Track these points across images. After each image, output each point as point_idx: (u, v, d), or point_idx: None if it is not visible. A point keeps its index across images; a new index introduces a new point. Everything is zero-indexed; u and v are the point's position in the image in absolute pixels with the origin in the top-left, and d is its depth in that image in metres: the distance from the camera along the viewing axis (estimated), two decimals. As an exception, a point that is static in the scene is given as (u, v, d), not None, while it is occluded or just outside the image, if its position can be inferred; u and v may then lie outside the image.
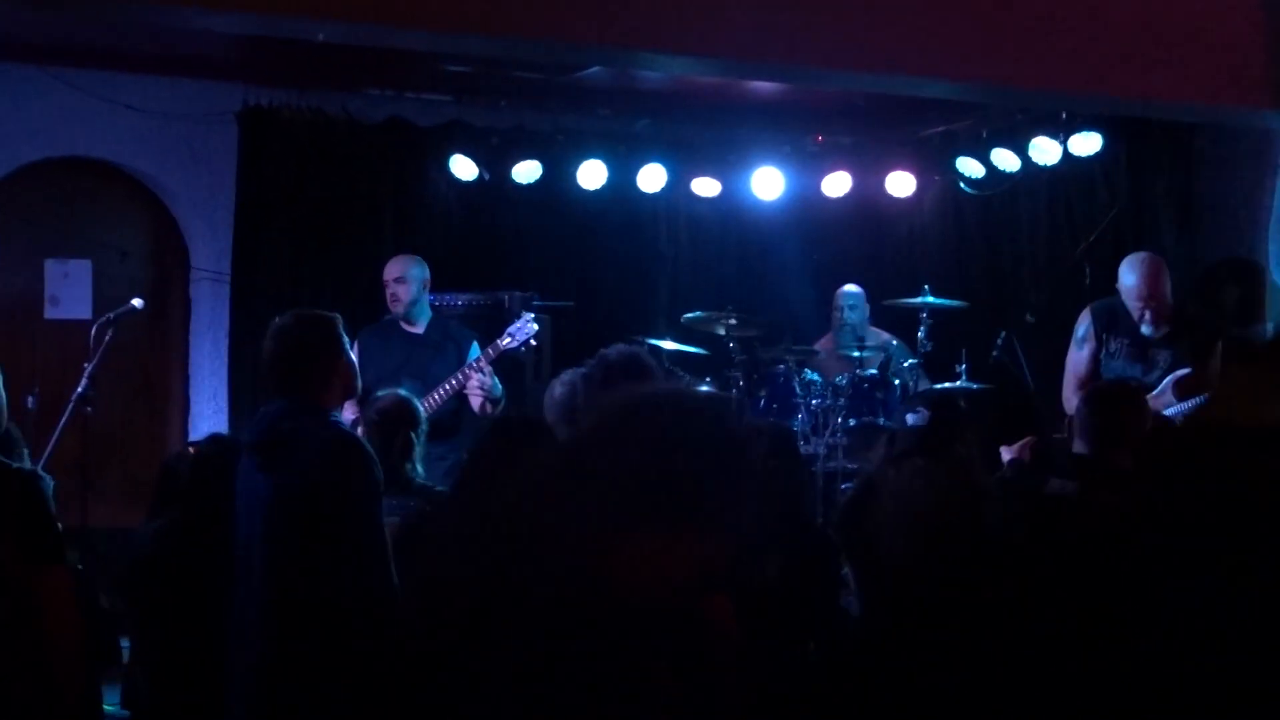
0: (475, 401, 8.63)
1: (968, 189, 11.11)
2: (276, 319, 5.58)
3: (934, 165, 11.27)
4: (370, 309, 9.46)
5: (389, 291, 8.97)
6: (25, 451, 6.17)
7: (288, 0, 6.18)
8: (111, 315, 8.35)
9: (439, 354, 8.86)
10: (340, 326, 5.54)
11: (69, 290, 10.28)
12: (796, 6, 7.02)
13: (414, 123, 10.91)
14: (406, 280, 8.95)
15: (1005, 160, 10.61)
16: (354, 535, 5.22)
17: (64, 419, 8.01)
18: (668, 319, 10.86)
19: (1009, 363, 9.35)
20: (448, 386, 8.57)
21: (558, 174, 10.96)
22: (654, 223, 11.69)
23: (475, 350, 8.83)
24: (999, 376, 9.49)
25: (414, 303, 8.95)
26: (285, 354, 5.44)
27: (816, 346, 10.37)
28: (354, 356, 8.16)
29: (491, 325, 9.33)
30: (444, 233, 10.87)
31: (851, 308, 10.42)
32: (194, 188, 10.55)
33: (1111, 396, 6.28)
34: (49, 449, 7.78)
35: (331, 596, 5.16)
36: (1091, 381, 8.00)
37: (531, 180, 10.94)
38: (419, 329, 8.98)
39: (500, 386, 8.67)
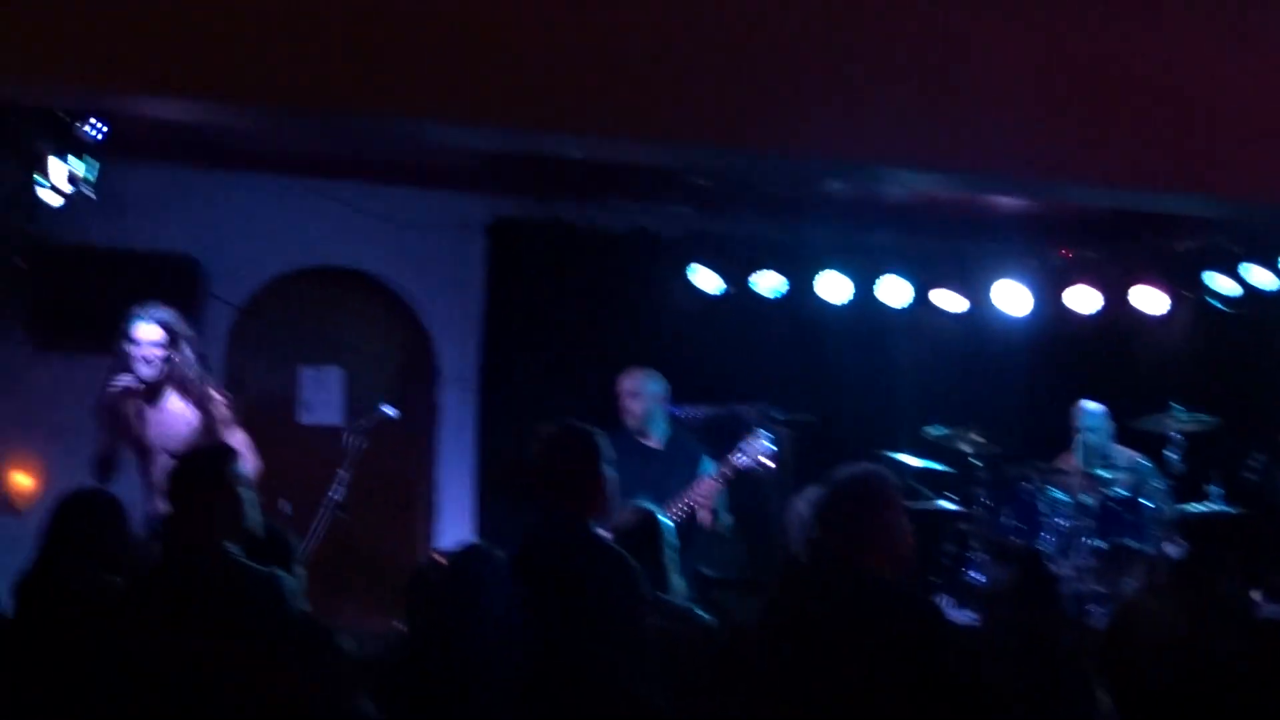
0: (704, 515, 8.60)
1: (1220, 305, 10.86)
2: (541, 429, 5.67)
3: (1184, 280, 11.02)
4: (614, 418, 9.52)
5: (623, 404, 8.99)
6: (296, 556, 6.25)
7: (540, 117, 6.29)
8: (365, 422, 8.53)
9: (674, 470, 8.84)
10: (603, 443, 5.60)
11: (321, 396, 10.53)
12: (1043, 121, 6.95)
13: (657, 233, 11.02)
14: (640, 394, 8.95)
15: (1259, 277, 10.36)
16: (619, 647, 5.24)
17: (318, 523, 8.17)
18: (911, 433, 10.75)
19: (1265, 485, 9.09)
20: (681, 504, 8.54)
21: (799, 286, 10.97)
22: (896, 335, 11.60)
23: (707, 466, 8.82)
24: (1254, 499, 9.22)
25: (648, 417, 8.93)
26: (550, 464, 5.50)
27: (1060, 464, 10.20)
28: None
29: (732, 438, 9.34)
30: (685, 343, 10.88)
31: (1090, 428, 10.25)
32: (443, 296, 10.77)
33: None
34: (302, 553, 7.93)
35: (598, 709, 5.19)
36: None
37: (773, 292, 10.97)
38: (655, 443, 8.95)
39: (727, 516, 8.66)
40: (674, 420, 9.26)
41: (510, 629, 5.35)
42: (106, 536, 6.16)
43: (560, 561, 5.31)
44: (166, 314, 8.08)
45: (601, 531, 5.59)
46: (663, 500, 8.39)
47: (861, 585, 5.10)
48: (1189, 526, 5.84)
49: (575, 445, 5.55)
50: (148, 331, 8.00)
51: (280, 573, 5.46)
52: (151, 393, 8.10)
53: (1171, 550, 5.75)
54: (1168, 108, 7.03)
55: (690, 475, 8.76)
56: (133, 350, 8.00)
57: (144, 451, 8.24)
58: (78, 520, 6.19)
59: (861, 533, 5.17)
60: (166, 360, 8.03)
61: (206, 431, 8.22)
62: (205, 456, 5.87)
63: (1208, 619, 5.40)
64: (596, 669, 5.20)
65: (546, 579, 5.30)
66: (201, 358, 8.32)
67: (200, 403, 8.14)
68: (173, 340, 8.04)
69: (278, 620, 5.22)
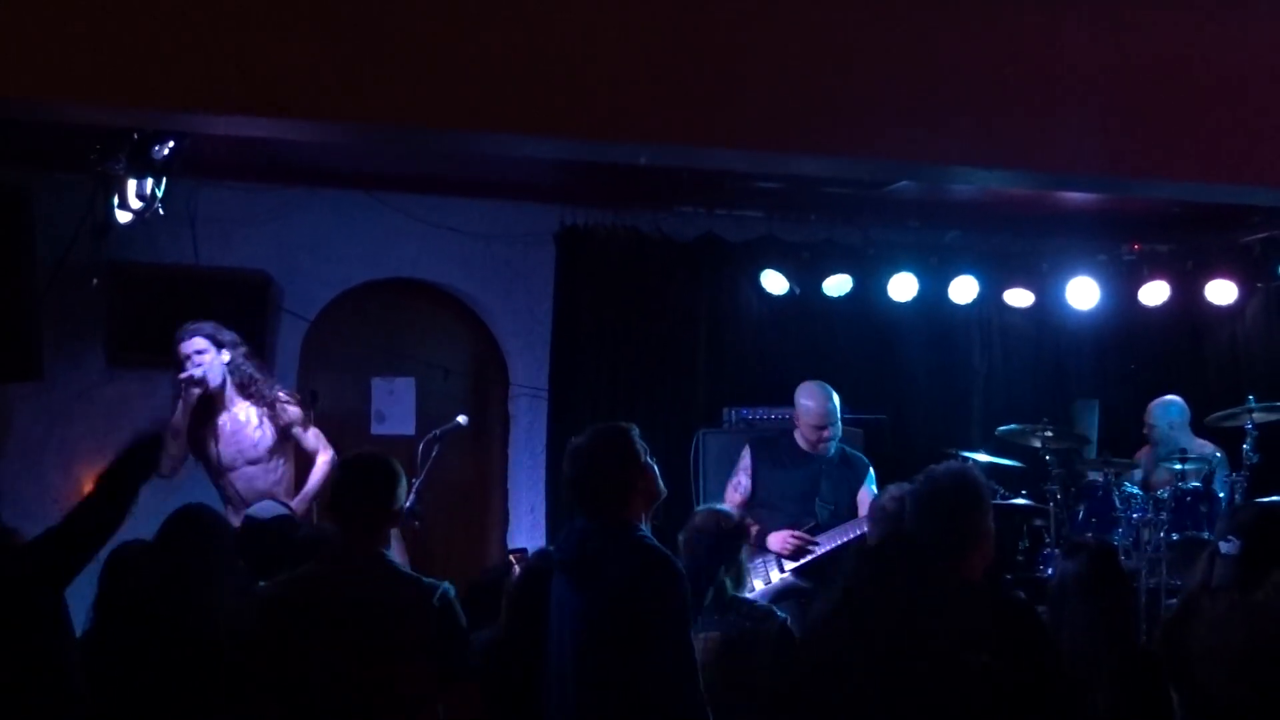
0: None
1: (1293, 295, 10.79)
2: (572, 439, 5.69)
3: (1257, 272, 10.96)
4: (683, 423, 9.55)
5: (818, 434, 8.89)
6: None
7: (607, 125, 6.31)
8: (438, 432, 8.62)
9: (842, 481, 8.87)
10: (636, 436, 5.60)
11: (394, 407, 10.58)
12: (1113, 116, 6.93)
13: (725, 239, 11.02)
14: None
15: (1332, 266, 10.30)
16: (665, 652, 5.28)
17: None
18: (982, 431, 10.74)
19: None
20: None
21: (868, 287, 10.97)
22: (966, 334, 11.60)
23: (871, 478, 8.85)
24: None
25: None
26: (584, 474, 5.53)
27: (1137, 458, 10.16)
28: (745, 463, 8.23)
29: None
30: (755, 346, 10.96)
31: (1163, 420, 10.22)
32: (512, 306, 10.80)
33: None
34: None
35: (644, 714, 5.24)
36: None
37: (842, 293, 10.97)
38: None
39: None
40: (750, 422, 9.27)
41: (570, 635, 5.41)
42: (214, 550, 6.14)
43: (604, 568, 5.34)
44: (205, 325, 8.29)
45: (646, 532, 5.57)
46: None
47: (958, 582, 5.14)
48: (1242, 522, 5.75)
49: (607, 449, 5.55)
50: (191, 344, 8.19)
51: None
52: (219, 400, 8.23)
53: (1225, 547, 5.65)
54: (1238, 101, 7.00)
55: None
56: (186, 365, 8.16)
57: (220, 470, 8.34)
58: (189, 535, 6.15)
59: (958, 530, 5.20)
60: (223, 364, 8.19)
61: (284, 434, 8.34)
62: None
63: (1260, 620, 5.37)
64: (643, 673, 5.24)
65: (593, 587, 5.34)
66: (259, 365, 8.45)
67: (266, 403, 8.26)
68: (219, 346, 8.20)
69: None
